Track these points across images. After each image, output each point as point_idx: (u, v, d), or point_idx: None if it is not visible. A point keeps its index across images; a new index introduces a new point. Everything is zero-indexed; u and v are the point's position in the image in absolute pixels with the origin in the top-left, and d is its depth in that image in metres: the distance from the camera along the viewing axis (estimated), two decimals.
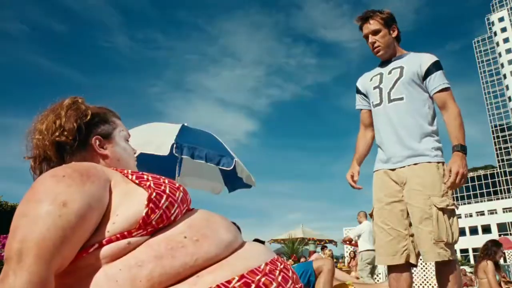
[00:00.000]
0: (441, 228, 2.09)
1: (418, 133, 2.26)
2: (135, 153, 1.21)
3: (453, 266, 2.12)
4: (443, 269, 2.13)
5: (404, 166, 2.26)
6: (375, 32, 2.40)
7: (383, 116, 2.37)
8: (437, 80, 2.29)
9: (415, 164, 2.23)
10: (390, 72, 2.40)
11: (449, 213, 2.14)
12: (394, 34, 2.44)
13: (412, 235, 2.23)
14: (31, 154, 1.08)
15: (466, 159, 2.14)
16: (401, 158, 2.27)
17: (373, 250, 6.36)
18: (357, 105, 2.65)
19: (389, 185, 2.31)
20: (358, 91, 2.62)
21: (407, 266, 2.27)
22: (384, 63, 2.49)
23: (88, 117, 1.09)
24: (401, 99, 2.31)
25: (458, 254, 55.64)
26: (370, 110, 2.55)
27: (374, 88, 2.44)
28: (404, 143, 2.27)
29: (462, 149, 2.14)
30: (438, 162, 2.22)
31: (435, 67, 2.30)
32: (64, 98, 1.13)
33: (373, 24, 2.39)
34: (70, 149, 1.05)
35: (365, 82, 2.56)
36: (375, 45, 2.41)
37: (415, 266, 2.29)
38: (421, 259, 4.96)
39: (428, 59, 2.33)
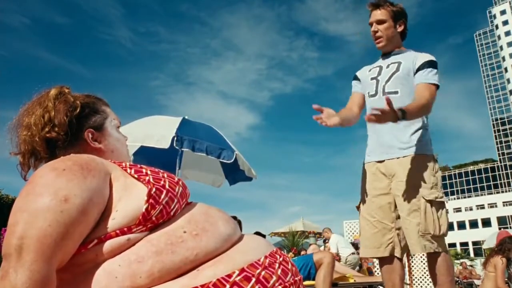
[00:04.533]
0: (429, 220, 2.10)
1: (409, 126, 2.26)
2: (126, 140, 1.19)
3: (442, 258, 2.13)
4: (433, 262, 2.15)
5: (393, 158, 2.26)
6: (380, 22, 2.37)
7: (376, 107, 2.36)
8: (431, 76, 2.24)
9: (404, 156, 2.24)
10: (388, 66, 2.40)
11: (438, 205, 2.16)
12: (400, 29, 2.40)
13: (398, 228, 2.25)
14: (18, 150, 1.04)
15: (394, 122, 1.96)
16: (393, 150, 2.28)
17: (354, 253, 7.32)
18: (353, 89, 2.60)
19: (378, 177, 2.32)
20: (356, 78, 2.59)
21: (398, 259, 2.28)
22: (385, 55, 2.48)
23: (78, 110, 1.05)
24: (396, 92, 2.31)
25: (458, 248, 55.94)
26: (363, 95, 2.53)
27: (372, 78, 2.44)
28: (396, 135, 2.28)
29: (403, 116, 1.94)
30: (428, 155, 2.25)
31: (431, 64, 2.28)
32: (49, 88, 1.07)
33: (380, 14, 2.36)
34: (62, 145, 1.02)
35: (363, 72, 2.57)
36: (377, 34, 2.39)
37: (400, 259, 2.30)
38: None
39: (425, 56, 2.33)
